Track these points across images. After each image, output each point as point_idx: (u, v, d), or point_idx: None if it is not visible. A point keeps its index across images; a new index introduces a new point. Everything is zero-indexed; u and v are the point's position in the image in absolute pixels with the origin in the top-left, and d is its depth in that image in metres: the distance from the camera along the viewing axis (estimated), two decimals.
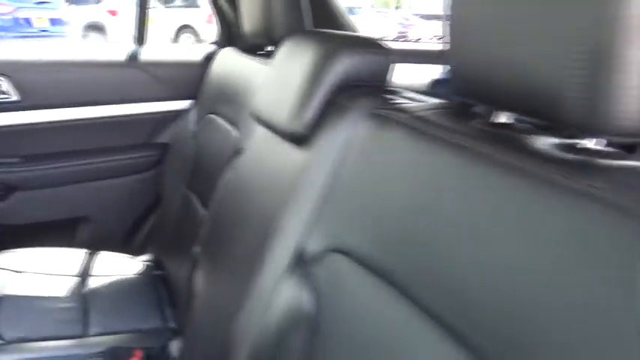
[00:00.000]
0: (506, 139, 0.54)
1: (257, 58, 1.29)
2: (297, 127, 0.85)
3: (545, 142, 0.51)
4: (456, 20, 0.57)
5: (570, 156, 0.48)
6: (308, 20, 1.20)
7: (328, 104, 0.82)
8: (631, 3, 0.41)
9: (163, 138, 1.66)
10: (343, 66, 0.82)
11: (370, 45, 0.86)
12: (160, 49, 1.74)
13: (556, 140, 0.50)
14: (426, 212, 0.56)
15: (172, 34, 8.36)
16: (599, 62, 0.42)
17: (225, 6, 1.61)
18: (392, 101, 0.75)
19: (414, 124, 0.64)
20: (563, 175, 0.45)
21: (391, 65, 0.85)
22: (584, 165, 0.46)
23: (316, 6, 1.27)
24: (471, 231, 0.50)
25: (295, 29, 1.11)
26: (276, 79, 0.97)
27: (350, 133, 0.74)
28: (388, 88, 0.82)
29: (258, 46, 1.34)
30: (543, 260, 0.43)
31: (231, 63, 1.43)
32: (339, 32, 0.99)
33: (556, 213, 0.43)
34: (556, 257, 0.42)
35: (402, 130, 0.65)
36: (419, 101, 0.76)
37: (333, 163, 0.75)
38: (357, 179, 0.70)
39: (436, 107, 0.68)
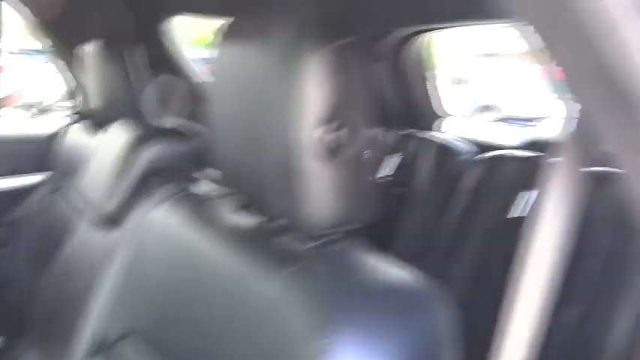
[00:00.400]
0: (247, 229, 0.63)
1: (102, 134, 1.33)
2: (108, 211, 0.89)
3: (270, 231, 0.60)
4: (212, 122, 0.66)
5: (282, 245, 0.58)
6: (152, 102, 1.26)
7: (136, 189, 0.88)
8: (310, 129, 0.51)
9: (14, 214, 1.62)
10: (150, 154, 0.89)
11: (178, 134, 0.93)
12: (11, 122, 1.72)
13: (288, 237, 0.60)
14: (190, 293, 0.63)
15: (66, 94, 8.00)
16: (289, 172, 0.52)
17: (80, 80, 1.64)
18: (187, 187, 0.82)
19: (192, 210, 0.72)
20: (268, 262, 0.55)
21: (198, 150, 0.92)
22: (287, 254, 0.56)
23: (163, 88, 1.34)
24: (213, 306, 0.58)
25: (130, 111, 1.16)
26: (97, 162, 1.01)
27: (149, 218, 0.80)
28: (193, 174, 0.89)
29: (106, 121, 1.37)
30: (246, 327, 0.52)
31: (81, 138, 1.45)
32: (155, 121, 1.05)
33: (259, 294, 0.53)
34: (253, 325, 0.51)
35: (184, 216, 0.72)
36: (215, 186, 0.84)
37: (135, 247, 0.80)
38: (150, 263, 0.75)
39: (224, 195, 0.76)
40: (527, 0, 0.34)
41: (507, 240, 1.25)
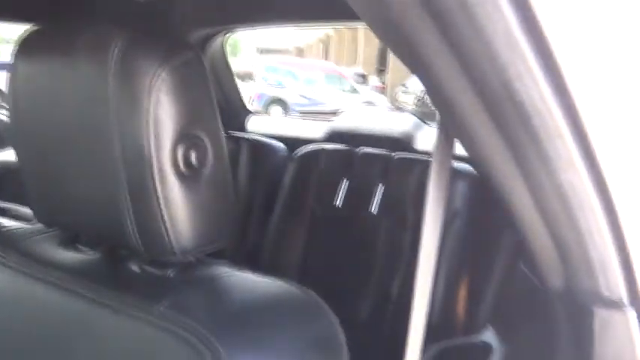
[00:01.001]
0: (92, 265, 0.55)
1: None
2: None
3: (128, 267, 0.54)
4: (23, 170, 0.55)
5: (143, 277, 0.52)
6: None
7: None
8: (161, 150, 0.46)
9: None
10: None
11: None
12: None
13: (139, 266, 0.53)
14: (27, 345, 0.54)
15: None
16: (139, 199, 0.47)
17: None
18: None
19: (7, 254, 0.60)
20: (134, 298, 0.49)
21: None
22: (153, 286, 0.51)
23: None
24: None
25: None
26: None
27: None
28: None
29: None
30: None
31: None
32: None
33: (133, 336, 0.47)
34: None
35: None
36: (28, 222, 0.71)
37: None
38: None
39: (40, 232, 0.64)
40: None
41: (333, 229, 1.33)
